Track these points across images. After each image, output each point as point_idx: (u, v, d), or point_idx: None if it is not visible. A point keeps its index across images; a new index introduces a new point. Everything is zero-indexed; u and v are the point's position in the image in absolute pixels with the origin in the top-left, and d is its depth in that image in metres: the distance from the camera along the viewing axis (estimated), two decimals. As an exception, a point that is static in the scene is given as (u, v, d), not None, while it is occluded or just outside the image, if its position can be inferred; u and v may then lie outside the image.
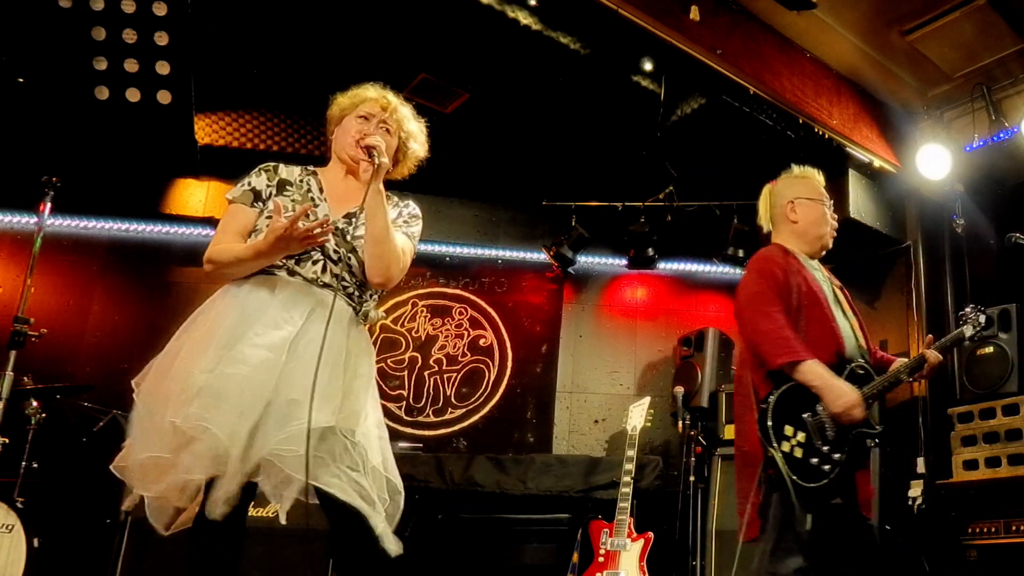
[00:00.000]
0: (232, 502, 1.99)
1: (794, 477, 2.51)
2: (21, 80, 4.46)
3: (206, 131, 5.40)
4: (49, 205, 3.85)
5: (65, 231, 5.42)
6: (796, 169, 3.07)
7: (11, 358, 3.58)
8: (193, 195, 5.60)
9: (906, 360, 2.84)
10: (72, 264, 5.41)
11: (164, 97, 4.50)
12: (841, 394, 2.58)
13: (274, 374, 2.04)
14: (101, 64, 4.33)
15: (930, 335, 2.91)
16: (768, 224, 3.05)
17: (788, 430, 2.58)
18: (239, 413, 1.97)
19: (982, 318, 2.88)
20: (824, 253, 2.98)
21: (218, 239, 2.27)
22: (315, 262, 2.22)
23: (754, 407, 2.67)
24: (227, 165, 5.52)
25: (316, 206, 2.30)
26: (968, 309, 2.90)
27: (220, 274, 2.24)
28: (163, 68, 4.38)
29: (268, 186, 2.33)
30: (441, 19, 4.39)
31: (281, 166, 2.38)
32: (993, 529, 3.93)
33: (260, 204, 2.30)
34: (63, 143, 4.99)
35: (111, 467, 2.10)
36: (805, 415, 2.61)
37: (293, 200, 2.29)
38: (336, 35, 4.63)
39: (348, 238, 2.27)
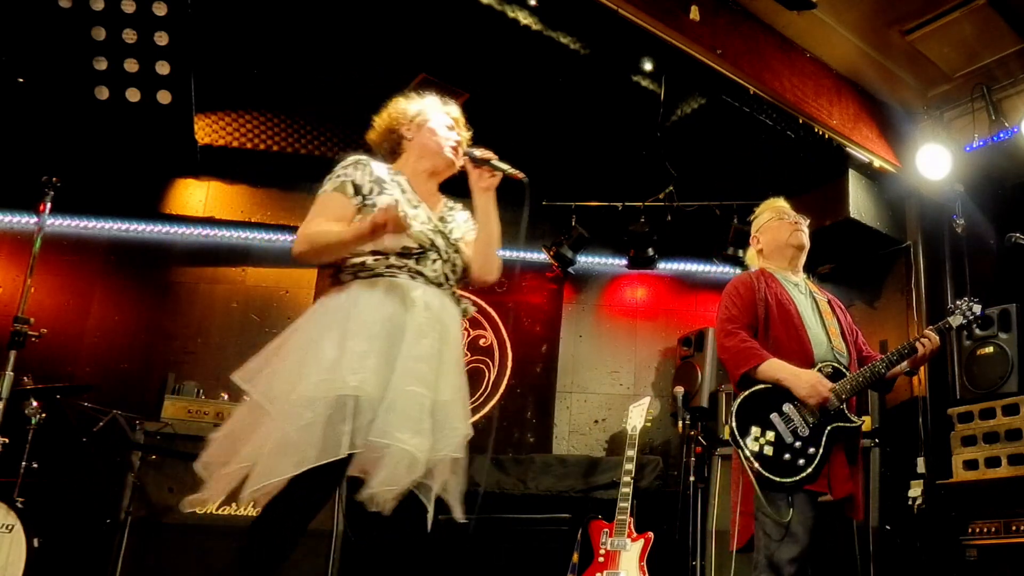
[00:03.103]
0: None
1: (765, 473, 2.64)
2: (21, 80, 4.46)
3: (206, 131, 5.40)
4: (49, 205, 3.86)
5: (65, 231, 5.42)
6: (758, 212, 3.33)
7: (11, 358, 3.59)
8: (193, 195, 5.60)
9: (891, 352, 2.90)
10: (72, 264, 5.40)
11: (164, 97, 4.51)
12: (802, 378, 2.73)
13: (433, 385, 2.15)
14: (101, 64, 4.34)
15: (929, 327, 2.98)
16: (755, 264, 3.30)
17: (755, 431, 2.72)
18: (419, 430, 2.08)
19: (976, 308, 2.94)
20: (803, 257, 3.14)
21: (313, 222, 2.21)
22: (433, 261, 2.27)
23: None
24: (227, 165, 5.52)
25: (415, 207, 2.31)
26: (961, 301, 2.97)
27: (309, 259, 2.21)
28: (163, 68, 4.40)
29: (370, 182, 2.27)
30: (441, 19, 4.39)
31: (372, 162, 2.34)
32: (993, 529, 3.93)
33: (360, 198, 2.25)
34: (63, 143, 5.00)
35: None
36: (772, 415, 2.74)
37: (396, 200, 2.27)
38: (336, 35, 4.62)
39: (452, 239, 2.36)
